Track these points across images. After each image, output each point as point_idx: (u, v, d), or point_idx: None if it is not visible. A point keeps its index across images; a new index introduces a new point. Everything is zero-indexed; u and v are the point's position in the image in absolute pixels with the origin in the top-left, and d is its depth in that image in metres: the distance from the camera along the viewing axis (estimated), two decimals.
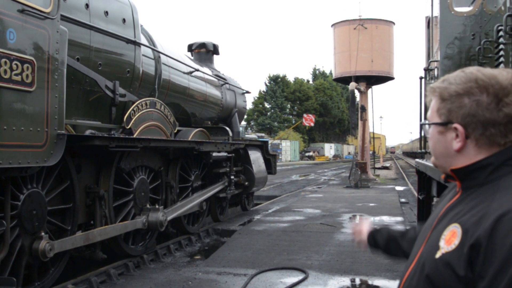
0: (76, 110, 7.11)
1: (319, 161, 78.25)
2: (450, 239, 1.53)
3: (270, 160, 14.99)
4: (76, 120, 7.08)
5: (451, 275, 1.47)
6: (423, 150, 8.96)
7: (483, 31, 6.80)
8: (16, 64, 5.10)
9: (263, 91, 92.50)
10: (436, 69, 7.96)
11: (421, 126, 1.75)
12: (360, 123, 29.06)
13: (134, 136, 7.76)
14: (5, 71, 4.96)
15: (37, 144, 5.45)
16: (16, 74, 5.10)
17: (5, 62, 4.96)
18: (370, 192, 21.00)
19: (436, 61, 7.79)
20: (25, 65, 5.23)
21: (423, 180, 8.22)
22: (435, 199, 7.31)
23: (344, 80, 31.86)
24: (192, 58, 13.31)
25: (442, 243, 1.55)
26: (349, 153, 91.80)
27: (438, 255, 1.54)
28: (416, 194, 16.47)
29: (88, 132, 6.99)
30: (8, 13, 5.06)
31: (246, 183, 12.98)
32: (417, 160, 9.47)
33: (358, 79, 28.92)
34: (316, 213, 13.89)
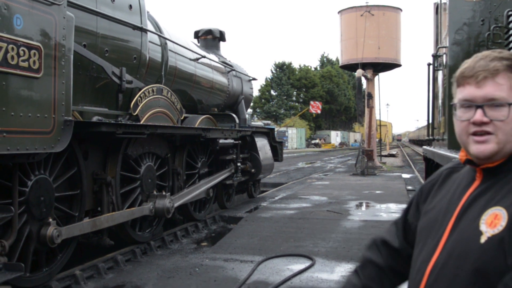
0: (83, 96, 7.10)
1: (325, 148, 78.25)
2: (493, 221, 1.53)
3: (277, 147, 14.98)
4: (83, 106, 7.07)
5: (502, 255, 1.47)
6: (430, 137, 8.93)
7: (493, 16, 6.75)
8: (23, 50, 5.08)
9: (269, 78, 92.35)
10: (444, 56, 7.91)
11: (452, 107, 1.63)
12: (366, 110, 28.98)
13: (141, 122, 7.75)
14: (12, 57, 4.95)
15: (44, 131, 5.45)
16: (23, 60, 5.08)
17: (12, 48, 4.95)
18: (377, 179, 20.98)
19: (445, 47, 7.74)
20: (32, 51, 5.21)
21: (431, 167, 8.20)
22: None
23: (351, 67, 31.74)
24: (199, 45, 13.27)
25: (484, 228, 1.54)
26: (355, 141, 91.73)
27: (483, 239, 1.53)
28: (423, 181, 16.43)
29: (95, 119, 6.99)
30: None
31: (253, 170, 12.97)
32: (424, 147, 9.45)
33: (365, 66, 28.80)
34: (323, 200, 13.89)
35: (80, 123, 6.24)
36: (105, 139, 7.21)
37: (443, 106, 7.89)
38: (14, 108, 5.01)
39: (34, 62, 5.24)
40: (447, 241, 1.64)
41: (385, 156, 42.55)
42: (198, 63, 11.13)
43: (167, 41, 9.54)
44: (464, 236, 1.59)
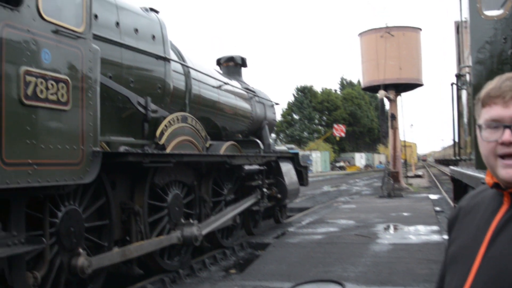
0: (110, 127, 7.19)
1: (350, 171, 77.82)
2: None
3: (302, 172, 14.94)
4: (110, 137, 7.16)
5: None
6: (457, 157, 8.85)
7: None
8: (51, 83, 5.18)
9: (291, 102, 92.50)
10: (468, 75, 7.87)
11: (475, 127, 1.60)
12: (390, 131, 28.84)
13: (167, 151, 7.81)
14: (41, 91, 5.05)
15: (73, 162, 5.53)
16: (51, 94, 5.18)
17: (41, 82, 5.05)
18: (404, 201, 20.78)
19: (468, 66, 7.70)
20: (60, 84, 5.31)
21: (459, 188, 8.11)
22: None
23: (373, 89, 31.68)
24: (221, 72, 13.38)
25: None
26: (380, 162, 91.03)
27: None
28: (451, 202, 16.25)
29: (122, 149, 7.06)
30: (43, 34, 5.15)
31: (279, 195, 12.94)
32: (451, 167, 9.35)
33: (387, 87, 28.71)
34: (350, 224, 13.78)
35: (108, 154, 6.32)
36: (132, 169, 7.28)
37: (468, 126, 7.83)
38: (44, 140, 5.10)
39: (62, 95, 5.33)
40: (481, 266, 1.61)
41: (411, 177, 42.16)
42: (221, 90, 11.21)
43: (190, 70, 9.64)
44: (503, 258, 1.56)
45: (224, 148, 9.92)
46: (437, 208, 17.44)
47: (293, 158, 14.57)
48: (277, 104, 15.32)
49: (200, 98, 9.98)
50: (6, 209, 5.03)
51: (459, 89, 9.00)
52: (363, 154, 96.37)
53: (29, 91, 4.96)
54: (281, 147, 17.09)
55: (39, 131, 5.06)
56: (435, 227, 12.58)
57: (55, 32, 5.33)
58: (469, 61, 7.50)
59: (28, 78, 4.94)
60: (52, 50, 5.27)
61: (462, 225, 1.83)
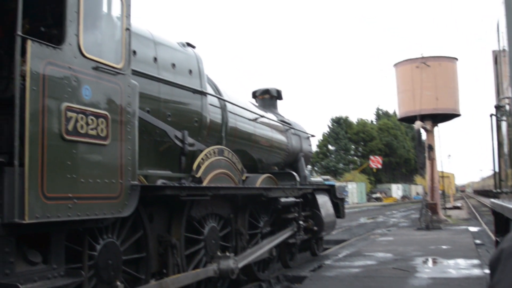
0: (147, 160, 7.27)
1: (387, 202, 76.84)
2: None
3: (338, 204, 14.83)
4: (148, 170, 7.24)
5: None
6: (498, 190, 8.68)
7: None
8: (91, 119, 5.30)
9: (327, 133, 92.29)
10: (507, 106, 7.75)
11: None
12: (427, 162, 28.46)
13: (204, 184, 7.86)
14: (82, 126, 5.16)
15: (112, 196, 5.61)
16: (91, 129, 5.29)
17: (82, 118, 5.17)
18: (442, 233, 20.40)
19: (508, 97, 7.60)
20: (100, 120, 5.42)
21: (500, 222, 7.94)
22: None
23: (409, 119, 31.40)
24: (257, 104, 13.46)
25: None
26: (417, 194, 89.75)
27: None
28: (492, 235, 15.89)
29: (159, 182, 7.14)
30: (84, 71, 5.29)
31: (315, 227, 12.85)
32: (492, 200, 9.17)
33: (423, 117, 28.42)
34: (388, 257, 13.57)
35: (146, 187, 6.38)
36: (169, 202, 7.33)
37: (509, 157, 7.69)
38: (84, 175, 5.20)
39: (102, 130, 5.44)
40: None
41: (450, 208, 41.41)
42: (257, 122, 11.27)
43: (227, 103, 9.74)
44: None
45: (260, 180, 9.93)
46: (478, 241, 17.06)
47: (330, 190, 14.49)
48: (312, 136, 15.32)
49: (236, 131, 10.05)
50: (47, 242, 5.11)
51: (498, 120, 8.87)
52: (399, 185, 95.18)
53: (70, 127, 5.07)
54: (317, 178, 17.02)
55: (79, 165, 5.17)
56: (475, 261, 12.30)
57: (96, 68, 5.47)
58: (508, 92, 7.40)
59: (69, 113, 5.07)
60: (92, 86, 5.39)
61: (506, 267, 1.80)
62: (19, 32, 4.77)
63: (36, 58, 4.83)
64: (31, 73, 4.78)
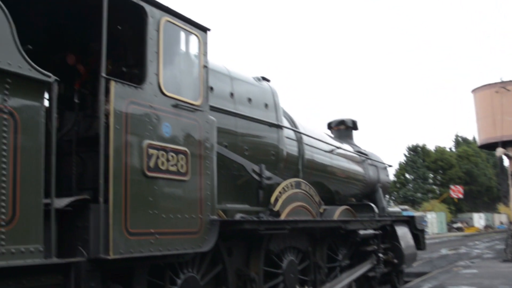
0: (225, 194, 7.33)
1: (468, 232, 74.19)
2: None
3: (418, 235, 14.43)
4: (226, 204, 7.30)
5: None
6: None
7: None
8: (172, 155, 5.42)
9: (403, 162, 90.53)
10: None
11: None
12: (511, 190, 27.40)
13: (282, 218, 7.85)
14: (163, 163, 5.29)
15: (192, 231, 5.69)
16: (172, 165, 5.41)
17: (162, 154, 5.30)
18: None
19: None
20: (180, 156, 5.54)
21: None
22: None
23: (490, 146, 30.44)
24: (332, 135, 13.40)
25: None
26: (501, 223, 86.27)
27: None
28: None
29: (238, 216, 7.18)
30: (164, 109, 5.44)
31: (395, 260, 12.53)
32: None
33: (505, 144, 27.47)
34: None
35: (225, 222, 6.43)
36: (248, 236, 7.35)
37: None
38: (165, 210, 5.32)
39: (182, 165, 5.55)
40: None
41: None
42: (333, 154, 11.20)
43: (302, 135, 9.74)
44: None
45: (338, 213, 9.82)
46: None
47: (409, 221, 14.14)
48: (390, 166, 15.07)
49: (313, 163, 10.02)
50: (130, 276, 5.22)
51: None
52: (482, 214, 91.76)
53: (152, 163, 5.21)
54: (394, 209, 16.69)
55: (160, 201, 5.29)
56: None
57: (175, 106, 5.61)
58: None
59: (151, 150, 5.21)
60: (172, 123, 5.53)
61: None
62: (103, 74, 4.96)
63: (119, 97, 5.01)
64: (114, 112, 4.96)
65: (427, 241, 19.07)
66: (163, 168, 5.32)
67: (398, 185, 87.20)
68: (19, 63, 4.14)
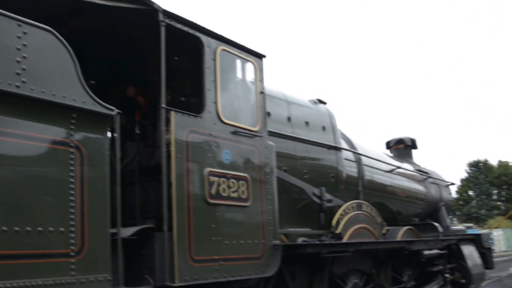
0: (287, 218, 7.33)
1: None
2: None
3: (485, 254, 14.01)
4: (288, 228, 7.29)
5: None
6: None
7: None
8: (232, 181, 5.49)
9: (465, 178, 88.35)
10: None
11: None
12: None
13: (344, 240, 7.78)
14: (224, 190, 5.36)
15: (255, 256, 5.71)
16: (233, 191, 5.47)
17: (223, 181, 5.37)
18: None
19: None
20: (240, 182, 5.60)
21: None
22: None
23: None
24: (391, 155, 13.24)
25: None
26: None
27: None
28: None
29: (300, 240, 7.16)
30: (223, 136, 5.53)
31: (463, 280, 12.17)
32: None
33: None
34: None
35: (288, 246, 6.42)
36: (311, 259, 7.31)
37: None
38: (228, 236, 5.37)
39: (243, 191, 5.60)
40: None
41: None
42: (393, 174, 11.06)
43: (361, 156, 9.67)
44: None
45: (401, 233, 9.65)
46: None
47: (475, 240, 13.76)
48: (452, 184, 14.75)
49: (373, 184, 9.92)
50: None
51: None
52: None
53: (213, 190, 5.28)
54: (458, 227, 16.27)
55: (223, 227, 5.35)
56: None
57: (234, 133, 5.69)
58: None
59: (212, 178, 5.29)
60: (231, 150, 5.60)
61: None
62: (163, 105, 5.08)
63: (179, 127, 5.11)
64: (175, 141, 5.07)
65: (495, 259, 18.52)
66: (224, 194, 5.39)
67: (461, 202, 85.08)
68: (83, 98, 4.29)
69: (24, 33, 3.96)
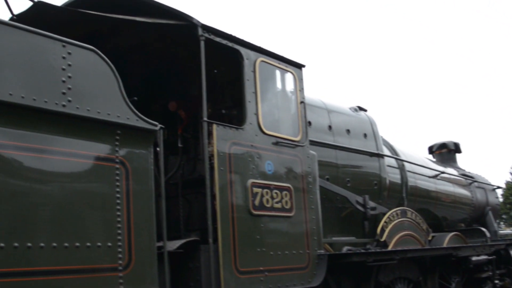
0: (330, 227, 7.30)
1: None
2: None
3: None
4: (332, 237, 7.26)
5: None
6: None
7: None
8: (276, 192, 5.49)
9: (510, 181, 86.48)
10: None
11: None
12: None
13: (389, 248, 7.69)
14: (267, 201, 5.37)
15: (300, 266, 5.70)
16: (276, 202, 5.48)
17: (267, 192, 5.38)
18: None
19: None
20: (284, 192, 5.60)
21: None
22: None
23: None
24: (434, 160, 13.07)
25: None
26: None
27: None
28: None
29: (345, 249, 7.12)
30: (265, 147, 5.55)
31: None
32: None
33: None
34: None
35: (333, 256, 6.39)
36: (356, 268, 7.25)
37: None
38: (273, 247, 5.38)
39: (286, 202, 5.60)
40: None
41: None
42: (437, 179, 10.91)
43: (404, 162, 9.58)
44: None
45: (447, 239, 9.50)
46: None
47: None
48: (498, 187, 14.45)
49: (417, 190, 9.80)
50: None
51: None
52: None
53: (256, 202, 5.30)
54: (506, 231, 15.92)
55: (267, 238, 5.36)
56: None
57: (276, 143, 5.70)
58: None
59: (255, 189, 5.31)
60: (274, 160, 5.61)
61: None
62: (205, 118, 5.13)
63: (221, 139, 5.15)
64: (218, 154, 5.10)
65: None
66: (268, 205, 5.39)
67: (508, 206, 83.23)
68: (127, 115, 4.36)
69: (69, 53, 4.05)
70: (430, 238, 9.06)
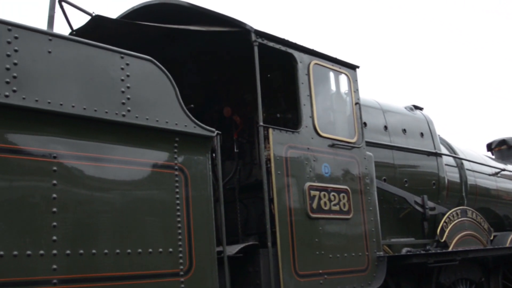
0: (389, 229, 7.22)
1: None
2: None
3: None
4: (391, 239, 7.18)
5: None
6: None
7: None
8: (333, 195, 5.48)
9: None
10: None
11: None
12: None
13: (450, 249, 7.56)
14: (325, 203, 5.36)
15: (359, 269, 5.66)
16: (334, 204, 5.46)
17: (324, 195, 5.37)
18: None
19: None
20: (341, 195, 5.58)
21: None
22: None
23: None
24: (493, 157, 12.74)
25: None
26: None
27: None
28: None
29: (404, 251, 7.03)
30: (321, 150, 5.54)
31: None
32: None
33: None
34: None
35: (392, 258, 6.32)
36: (416, 269, 7.16)
37: None
38: (331, 250, 5.36)
39: (344, 204, 5.58)
40: None
41: None
42: (498, 177, 10.63)
43: (463, 161, 9.38)
44: None
45: (510, 238, 9.24)
46: None
47: None
48: None
49: (477, 189, 9.58)
50: None
51: None
52: None
53: (314, 205, 5.29)
54: None
55: (326, 241, 5.34)
56: None
57: (332, 146, 5.68)
58: None
59: (312, 192, 5.30)
60: (330, 163, 5.60)
61: None
62: (261, 123, 5.16)
63: (277, 143, 5.17)
64: (274, 158, 5.12)
65: None
66: (325, 208, 5.38)
67: None
68: (184, 122, 4.43)
69: (127, 64, 4.15)
70: (492, 237, 8.85)
